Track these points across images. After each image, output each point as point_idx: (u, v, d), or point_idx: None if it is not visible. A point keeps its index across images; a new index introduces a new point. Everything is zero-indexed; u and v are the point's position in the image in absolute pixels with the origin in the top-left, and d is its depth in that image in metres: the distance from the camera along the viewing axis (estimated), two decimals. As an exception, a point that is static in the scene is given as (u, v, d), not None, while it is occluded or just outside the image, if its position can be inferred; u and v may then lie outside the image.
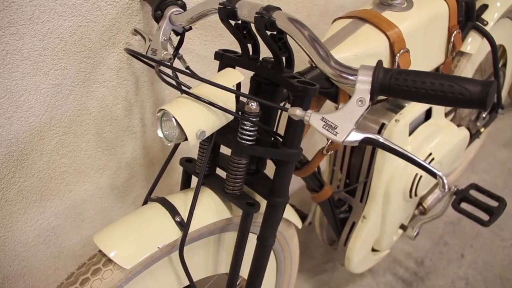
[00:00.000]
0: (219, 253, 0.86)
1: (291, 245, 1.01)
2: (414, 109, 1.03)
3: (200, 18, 0.77)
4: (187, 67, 0.86)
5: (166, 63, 0.78)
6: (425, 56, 0.98)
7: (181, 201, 0.74)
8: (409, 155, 0.57)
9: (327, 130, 0.60)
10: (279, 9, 0.66)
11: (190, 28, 0.85)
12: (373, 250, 1.23)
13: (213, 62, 1.13)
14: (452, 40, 1.02)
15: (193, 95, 0.66)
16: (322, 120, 0.60)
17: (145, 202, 0.78)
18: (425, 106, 1.06)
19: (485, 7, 1.31)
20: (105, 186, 1.09)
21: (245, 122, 0.71)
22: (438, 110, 1.11)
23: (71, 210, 1.06)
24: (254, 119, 0.70)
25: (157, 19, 0.84)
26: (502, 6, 1.34)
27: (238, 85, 0.72)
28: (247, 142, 0.72)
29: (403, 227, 1.24)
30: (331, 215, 1.12)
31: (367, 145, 1.08)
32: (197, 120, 0.65)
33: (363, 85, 0.57)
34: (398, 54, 0.87)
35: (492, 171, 1.79)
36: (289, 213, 0.93)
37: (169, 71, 0.77)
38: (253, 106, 0.70)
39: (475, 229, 1.55)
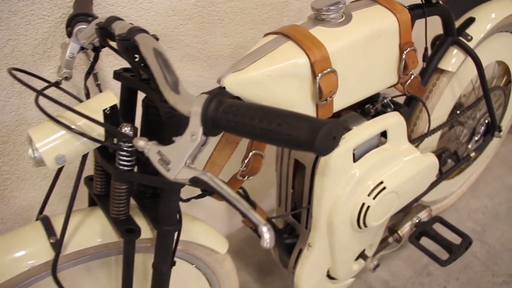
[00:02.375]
0: (123, 275, 0.81)
1: (223, 268, 0.94)
2: (361, 133, 0.91)
3: (94, 37, 0.72)
4: (98, 85, 0.81)
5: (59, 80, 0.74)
6: (363, 77, 0.86)
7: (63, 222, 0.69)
8: (235, 202, 0.48)
9: (161, 165, 0.52)
10: (144, 31, 0.60)
11: (106, 45, 0.80)
12: (332, 278, 1.12)
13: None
14: (403, 58, 0.89)
15: (54, 119, 0.61)
16: (158, 153, 0.53)
17: (37, 219, 0.75)
18: (376, 130, 0.93)
19: (471, 20, 1.15)
20: (53, 194, 1.07)
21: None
22: (398, 134, 0.98)
23: (18, 216, 1.05)
24: (126, 145, 0.64)
25: (69, 35, 0.80)
26: (494, 19, 1.17)
27: (113, 108, 0.66)
28: (125, 168, 0.66)
29: (363, 256, 1.11)
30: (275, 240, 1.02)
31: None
32: (57, 145, 0.60)
33: (195, 118, 0.49)
34: (319, 75, 0.76)
35: (496, 197, 1.58)
36: (209, 239, 0.86)
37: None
38: (126, 130, 0.64)
39: (465, 260, 1.37)
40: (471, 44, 1.13)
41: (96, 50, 0.80)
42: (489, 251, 1.40)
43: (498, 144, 1.61)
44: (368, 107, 0.99)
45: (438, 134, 1.26)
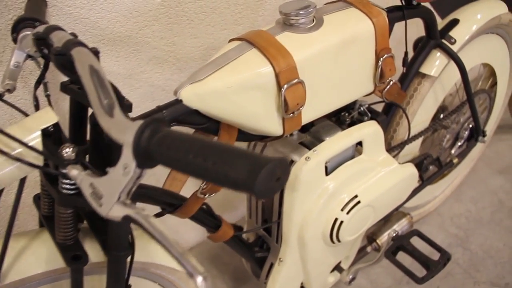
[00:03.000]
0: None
1: (188, 286, 0.89)
2: (334, 145, 0.86)
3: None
4: (48, 95, 0.75)
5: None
6: (335, 87, 0.80)
7: (9, 248, 0.64)
8: (168, 246, 0.42)
9: (93, 199, 0.47)
10: (81, 45, 0.53)
11: (47, 58, 0.74)
12: (307, 289, 1.08)
13: (132, 79, 1.01)
14: (380, 65, 0.83)
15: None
16: (91, 186, 0.47)
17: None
18: (350, 141, 0.88)
19: (455, 22, 1.09)
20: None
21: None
22: (374, 144, 0.93)
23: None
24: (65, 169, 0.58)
25: (15, 41, 0.73)
26: (479, 20, 1.11)
27: (55, 126, 0.60)
28: (68, 192, 0.60)
29: (339, 269, 1.07)
30: (245, 254, 0.97)
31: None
32: (-14, 169, 0.54)
33: (127, 148, 0.43)
34: (284, 87, 0.71)
35: (480, 201, 1.53)
36: (169, 258, 0.80)
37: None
38: (67, 152, 0.58)
39: (447, 268, 1.32)
40: (455, 47, 1.07)
41: (46, 57, 0.74)
42: (471, 258, 1.36)
43: (483, 146, 1.56)
44: (344, 115, 0.94)
45: (420, 140, 1.21)
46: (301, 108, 0.74)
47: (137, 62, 1.00)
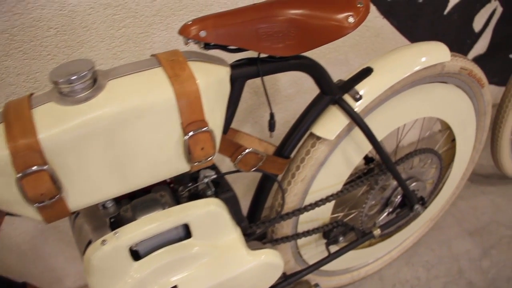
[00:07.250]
0: None
1: None
2: (141, 228, 0.68)
3: None
4: None
5: None
6: (121, 169, 0.61)
7: None
8: None
9: None
10: None
11: None
12: None
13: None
14: (186, 142, 0.63)
15: None
16: None
17: None
18: (166, 225, 0.69)
19: (366, 72, 0.83)
20: None
21: None
22: (210, 227, 0.73)
23: None
24: None
25: None
26: (403, 71, 0.83)
27: None
28: None
29: None
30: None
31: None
32: None
33: None
34: (24, 173, 0.55)
35: (435, 267, 1.23)
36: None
37: None
38: None
39: None
40: (361, 104, 0.82)
41: None
42: None
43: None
44: (184, 187, 0.76)
45: (331, 204, 0.97)
46: (58, 196, 0.58)
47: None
